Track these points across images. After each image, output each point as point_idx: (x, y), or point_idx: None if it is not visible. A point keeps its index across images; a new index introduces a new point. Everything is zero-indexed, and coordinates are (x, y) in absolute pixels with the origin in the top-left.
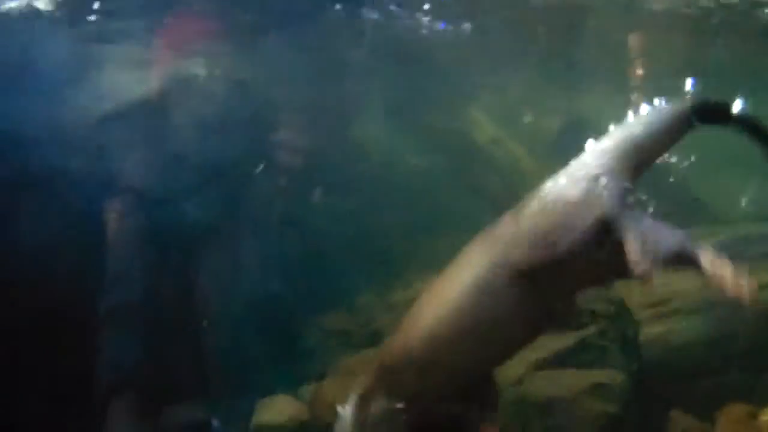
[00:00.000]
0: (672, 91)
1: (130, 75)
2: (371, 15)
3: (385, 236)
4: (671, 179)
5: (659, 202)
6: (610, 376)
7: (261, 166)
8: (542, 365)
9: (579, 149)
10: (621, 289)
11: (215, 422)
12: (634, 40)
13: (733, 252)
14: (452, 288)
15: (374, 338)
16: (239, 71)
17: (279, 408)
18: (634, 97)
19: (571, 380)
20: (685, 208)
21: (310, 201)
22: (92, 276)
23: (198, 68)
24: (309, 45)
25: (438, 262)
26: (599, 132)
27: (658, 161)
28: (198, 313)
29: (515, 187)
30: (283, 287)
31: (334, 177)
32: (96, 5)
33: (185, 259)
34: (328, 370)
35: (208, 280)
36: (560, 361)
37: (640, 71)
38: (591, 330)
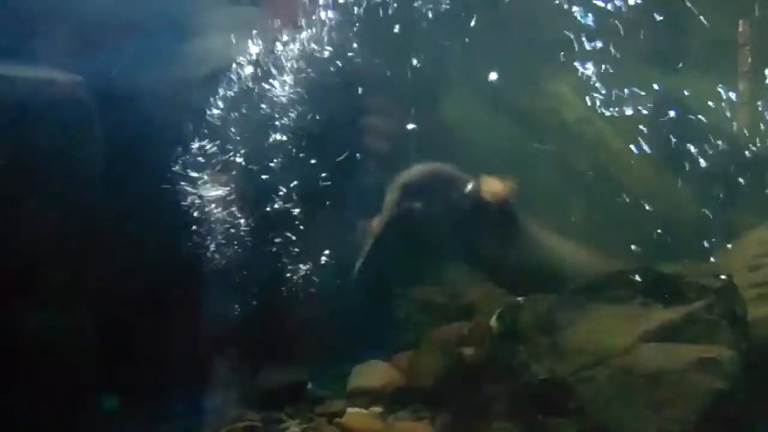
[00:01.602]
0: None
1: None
2: None
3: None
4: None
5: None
6: (719, 351)
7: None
8: (649, 337)
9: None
10: (727, 266)
11: (310, 384)
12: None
13: None
14: None
15: (465, 311)
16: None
17: (375, 373)
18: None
19: (678, 354)
20: None
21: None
22: (196, 234)
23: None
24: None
25: None
26: (694, 113)
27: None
28: (298, 278)
29: (605, 168)
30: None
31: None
32: None
33: (283, 227)
34: (419, 340)
35: (307, 249)
36: (668, 334)
37: (744, 58)
38: (699, 304)
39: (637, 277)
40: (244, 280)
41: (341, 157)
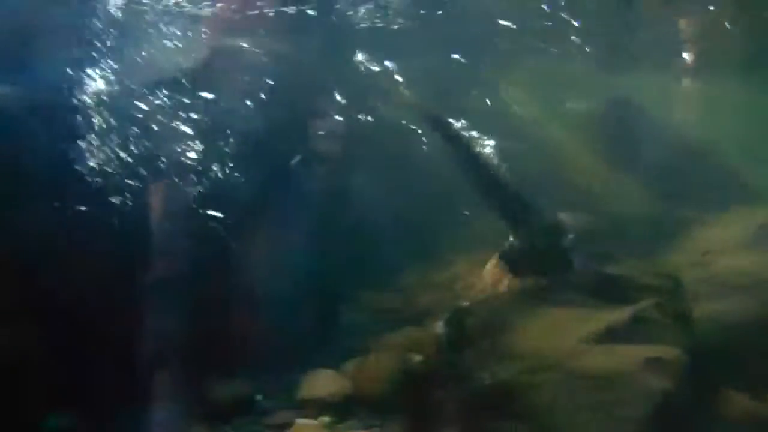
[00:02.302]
0: (717, 72)
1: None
2: None
3: (426, 218)
4: (709, 162)
5: (697, 185)
6: (666, 351)
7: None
8: (596, 339)
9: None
10: (675, 264)
11: (259, 396)
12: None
13: None
14: None
15: (417, 317)
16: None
17: (323, 382)
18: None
19: (625, 355)
20: (731, 190)
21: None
22: (139, 250)
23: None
24: None
25: (477, 243)
26: (643, 113)
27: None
28: (244, 289)
29: (558, 170)
30: (328, 264)
31: (375, 158)
32: None
33: (231, 234)
34: (370, 346)
35: (255, 257)
36: (614, 335)
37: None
38: (645, 304)
39: (584, 279)
40: (185, 291)
41: (295, 160)
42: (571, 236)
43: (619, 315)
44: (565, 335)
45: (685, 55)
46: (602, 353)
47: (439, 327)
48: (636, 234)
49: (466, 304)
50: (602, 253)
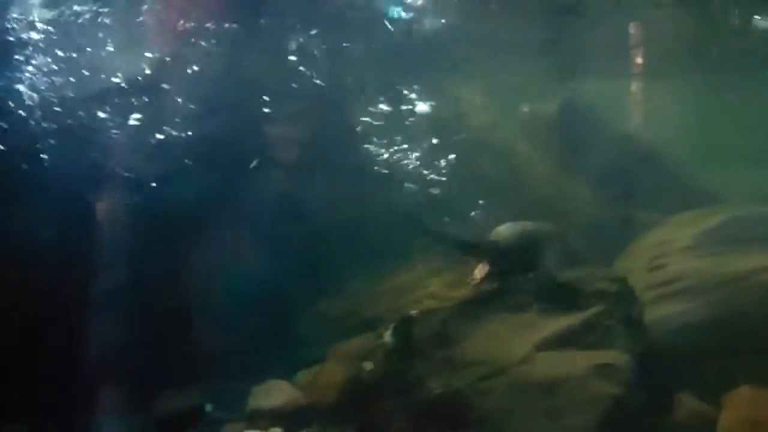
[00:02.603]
0: (667, 76)
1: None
2: None
3: (378, 225)
4: (669, 165)
5: (657, 187)
6: (615, 357)
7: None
8: (546, 345)
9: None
10: (626, 269)
11: (209, 407)
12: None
13: (735, 233)
14: None
15: (371, 324)
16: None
17: (275, 393)
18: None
19: (575, 361)
20: (684, 192)
21: (306, 190)
22: (84, 259)
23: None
24: None
25: (431, 249)
26: (595, 117)
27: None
28: (193, 298)
29: (512, 174)
30: (280, 272)
31: (329, 162)
32: None
33: (179, 242)
34: (323, 355)
35: (205, 265)
36: (564, 341)
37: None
38: (594, 310)
39: (534, 285)
40: (135, 301)
41: (252, 165)
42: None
43: (569, 321)
44: (516, 342)
45: (635, 58)
46: (553, 359)
47: (386, 336)
48: (588, 238)
49: (414, 312)
50: (556, 258)
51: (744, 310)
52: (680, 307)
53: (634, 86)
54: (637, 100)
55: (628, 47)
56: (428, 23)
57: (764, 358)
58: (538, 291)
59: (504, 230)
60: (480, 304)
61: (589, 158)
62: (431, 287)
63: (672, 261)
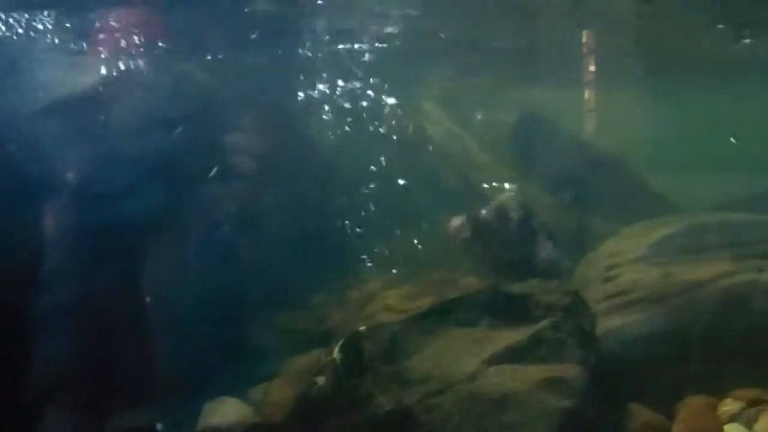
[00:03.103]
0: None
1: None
2: None
3: (339, 233)
4: (626, 173)
5: (614, 196)
6: (566, 370)
7: (211, 162)
8: (496, 360)
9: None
10: (581, 278)
11: (159, 426)
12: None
13: (689, 242)
14: None
15: (326, 337)
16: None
17: (226, 411)
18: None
19: (525, 375)
20: (641, 201)
21: (262, 198)
22: (29, 274)
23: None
24: None
25: (393, 258)
26: (553, 126)
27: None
28: (143, 312)
29: (469, 182)
30: (235, 285)
31: (286, 174)
32: None
33: (129, 256)
34: (278, 370)
35: (154, 278)
36: (514, 355)
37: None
38: (545, 323)
39: (484, 299)
40: (83, 316)
41: (213, 172)
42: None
43: (519, 335)
44: (466, 357)
45: (592, 66)
46: (503, 374)
47: (335, 352)
48: (542, 250)
49: (363, 328)
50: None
51: (696, 319)
52: (633, 318)
53: (592, 94)
54: (594, 108)
55: (585, 56)
56: (386, 30)
57: (716, 368)
58: (487, 305)
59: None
60: (430, 319)
61: (546, 167)
62: (388, 299)
63: (625, 271)
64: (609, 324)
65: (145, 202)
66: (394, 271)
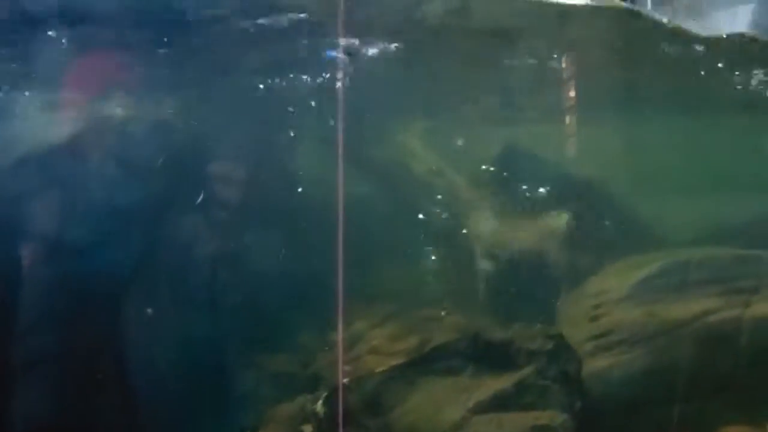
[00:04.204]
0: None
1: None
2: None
3: (324, 274)
4: (613, 204)
5: (601, 228)
6: (552, 417)
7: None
8: (481, 409)
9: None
10: (566, 318)
11: None
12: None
13: (674, 279)
14: None
15: (312, 381)
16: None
17: None
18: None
19: (511, 424)
20: (627, 234)
21: (244, 239)
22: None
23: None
24: None
25: (380, 297)
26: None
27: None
28: (122, 362)
29: (457, 219)
30: (217, 329)
31: (268, 213)
32: None
33: (105, 307)
34: (263, 418)
35: (133, 328)
36: (499, 403)
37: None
38: (529, 370)
39: (466, 346)
40: (60, 365)
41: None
42: None
43: (504, 382)
44: (449, 406)
45: (570, 98)
46: (489, 424)
47: (318, 406)
48: (529, 288)
49: (346, 380)
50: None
51: (682, 358)
52: (618, 359)
53: (572, 127)
54: (577, 140)
55: (562, 88)
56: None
57: (703, 406)
58: (470, 352)
59: None
60: (414, 368)
61: (530, 201)
62: (374, 341)
63: (610, 311)
64: (594, 365)
65: (122, 249)
66: (379, 310)
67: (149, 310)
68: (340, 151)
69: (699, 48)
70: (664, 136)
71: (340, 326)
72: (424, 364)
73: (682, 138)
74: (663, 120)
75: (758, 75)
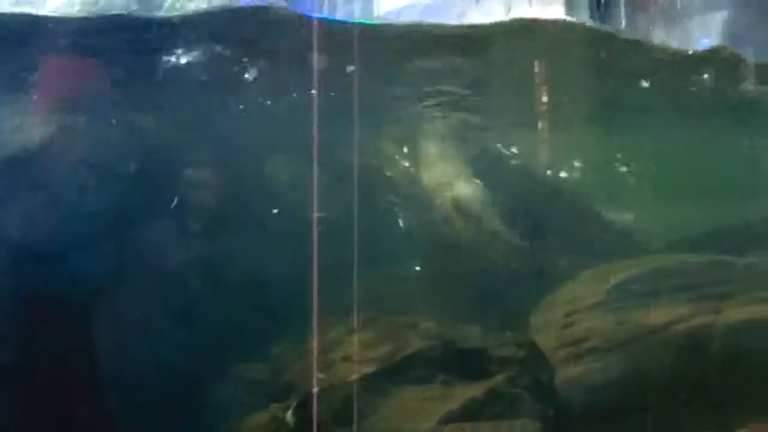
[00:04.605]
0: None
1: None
2: None
3: (296, 279)
4: (586, 210)
5: (573, 233)
6: (524, 425)
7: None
8: (452, 419)
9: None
10: (540, 325)
11: None
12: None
13: (647, 286)
14: None
15: (286, 390)
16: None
17: None
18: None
19: None
20: (601, 240)
21: (217, 247)
22: None
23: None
24: None
25: (352, 303)
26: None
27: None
28: (92, 372)
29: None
30: (189, 337)
31: (242, 221)
32: None
33: (74, 317)
34: (235, 427)
35: (104, 337)
36: (470, 413)
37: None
38: (500, 378)
39: (438, 354)
40: (26, 377)
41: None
42: None
43: (475, 391)
44: (420, 416)
45: (540, 104)
46: None
47: (288, 415)
48: (501, 292)
49: (316, 389)
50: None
51: (655, 365)
52: (591, 366)
53: (546, 134)
54: (550, 147)
55: (536, 94)
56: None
57: (676, 413)
58: (441, 360)
59: None
60: (383, 379)
61: (505, 205)
62: (347, 348)
63: (583, 318)
64: (567, 373)
65: (91, 258)
66: (354, 316)
67: (119, 320)
68: (314, 157)
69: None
70: (637, 143)
71: (315, 334)
72: (396, 373)
73: (655, 145)
74: (636, 127)
75: (730, 83)
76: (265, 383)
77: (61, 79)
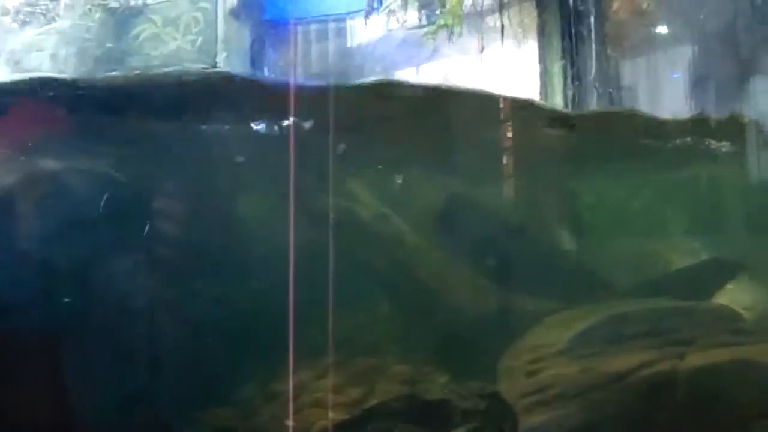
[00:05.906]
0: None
1: None
2: None
3: (268, 321)
4: (552, 248)
5: (537, 272)
6: None
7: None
8: None
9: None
10: (505, 370)
11: None
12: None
13: (610, 333)
14: None
15: None
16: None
17: None
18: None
19: None
20: (567, 285)
21: (184, 289)
22: None
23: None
24: None
25: (324, 345)
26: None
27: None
28: (51, 413)
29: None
30: (155, 383)
31: (210, 261)
32: None
33: (38, 362)
34: None
35: (65, 386)
36: None
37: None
38: (464, 429)
39: (400, 407)
40: None
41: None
42: None
43: None
44: None
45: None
46: None
47: None
48: (469, 336)
49: None
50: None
51: (618, 412)
52: (554, 414)
53: (512, 179)
54: (516, 192)
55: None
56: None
57: None
58: (404, 413)
59: None
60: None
61: (473, 247)
62: (317, 392)
63: (547, 365)
64: (530, 422)
65: (54, 302)
66: (324, 360)
67: (83, 364)
68: (290, 198)
69: None
70: (602, 188)
71: (290, 377)
72: (360, 425)
73: (621, 190)
74: (601, 172)
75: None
76: (232, 430)
77: None
